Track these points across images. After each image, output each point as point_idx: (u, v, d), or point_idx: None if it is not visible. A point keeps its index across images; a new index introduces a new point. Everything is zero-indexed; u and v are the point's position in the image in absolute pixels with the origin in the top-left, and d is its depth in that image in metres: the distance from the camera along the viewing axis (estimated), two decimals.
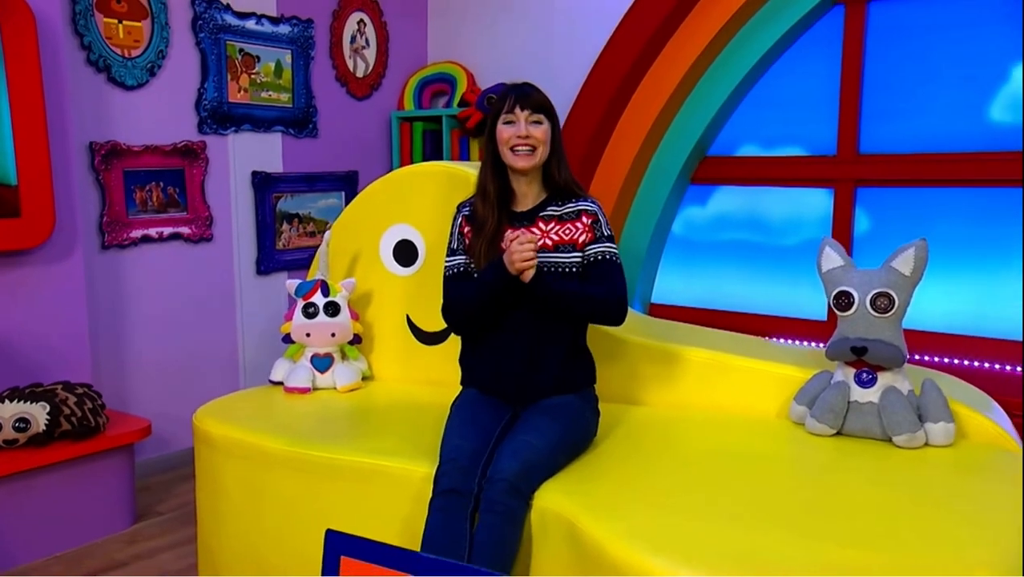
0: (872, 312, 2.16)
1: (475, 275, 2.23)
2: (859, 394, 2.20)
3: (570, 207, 2.24)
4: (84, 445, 3.02)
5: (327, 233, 2.85)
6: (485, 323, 2.20)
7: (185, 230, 3.80)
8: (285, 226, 4.19)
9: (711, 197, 4.07)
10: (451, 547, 1.90)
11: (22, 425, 2.89)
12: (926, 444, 2.12)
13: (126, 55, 3.54)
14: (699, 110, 3.88)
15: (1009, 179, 3.32)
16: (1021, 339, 3.19)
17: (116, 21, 3.51)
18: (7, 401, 2.90)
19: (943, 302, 3.43)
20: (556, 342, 2.20)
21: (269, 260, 4.13)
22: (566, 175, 2.27)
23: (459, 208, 2.36)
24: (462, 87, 4.45)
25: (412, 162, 4.53)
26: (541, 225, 2.23)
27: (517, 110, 2.17)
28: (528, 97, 2.19)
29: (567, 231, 2.22)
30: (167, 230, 3.74)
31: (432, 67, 4.63)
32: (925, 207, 3.51)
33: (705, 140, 3.96)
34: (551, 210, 2.24)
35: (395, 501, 2.12)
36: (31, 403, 2.93)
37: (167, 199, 3.74)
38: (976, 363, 3.34)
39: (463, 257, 2.27)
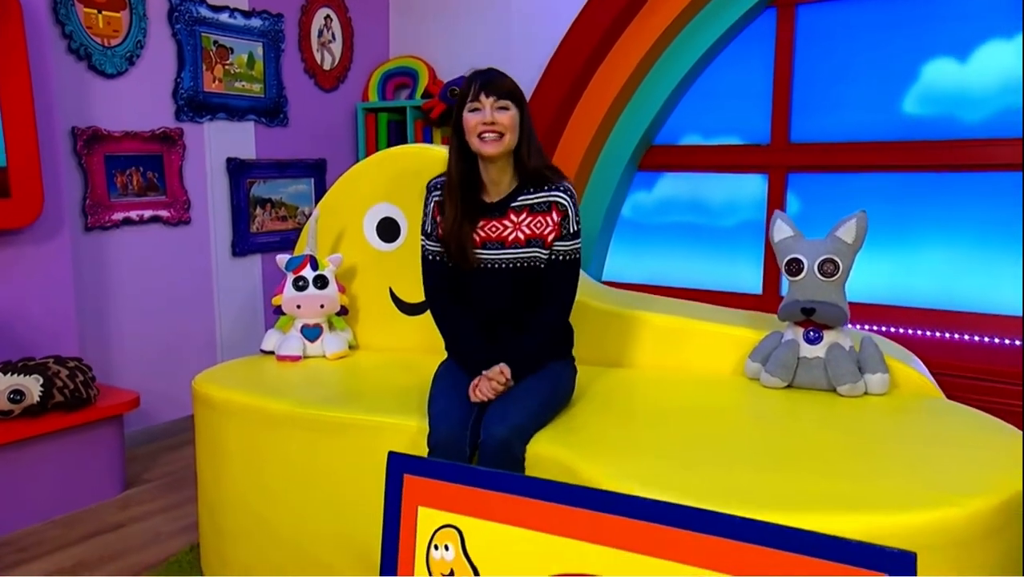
0: (819, 276, 2.25)
1: (449, 264, 2.16)
2: (807, 350, 2.29)
3: (542, 196, 2.09)
4: (76, 416, 2.98)
5: (315, 211, 2.84)
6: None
7: (164, 213, 3.73)
8: (259, 210, 4.15)
9: (657, 183, 4.15)
10: None
11: (16, 397, 2.83)
12: (865, 393, 2.22)
13: (106, 44, 3.46)
14: (646, 103, 3.95)
15: (919, 165, 3.49)
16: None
17: (96, 11, 3.43)
18: (1, 374, 2.83)
19: (864, 275, 3.57)
20: (531, 328, 2.14)
21: (244, 242, 4.08)
22: (537, 160, 2.11)
23: (430, 189, 2.21)
24: (424, 80, 4.46)
25: (377, 151, 4.51)
26: (513, 217, 2.10)
27: (482, 97, 2.01)
28: (493, 83, 2.03)
29: (538, 224, 2.09)
30: (147, 213, 3.67)
31: (394, 61, 4.63)
32: (848, 190, 3.65)
33: (651, 130, 4.03)
34: (523, 199, 2.10)
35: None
36: (24, 376, 2.87)
37: (147, 183, 3.67)
38: (893, 329, 3.48)
39: (436, 244, 2.18)
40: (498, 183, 2.12)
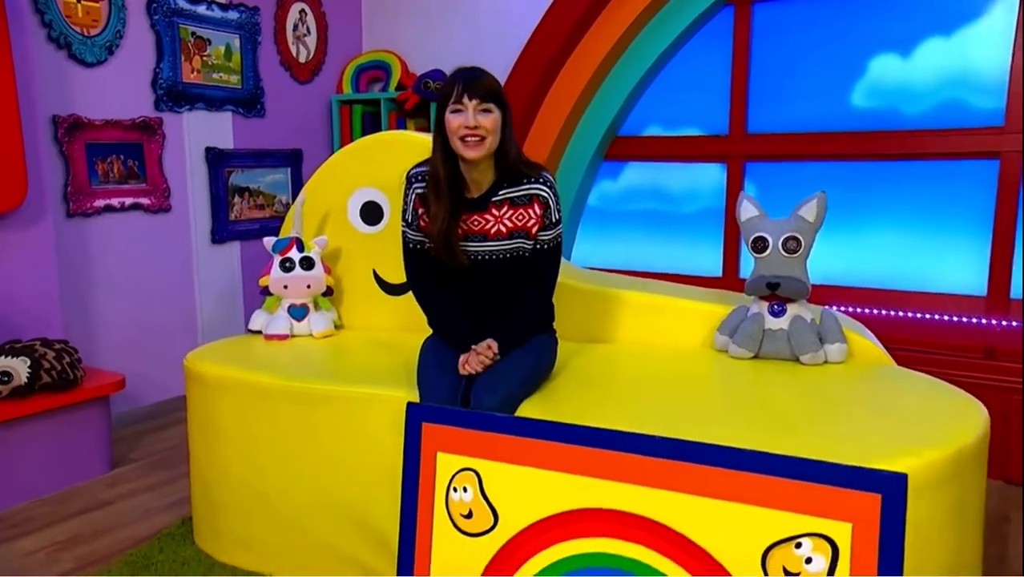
0: (783, 253, 2.32)
1: (433, 253, 2.13)
2: (772, 323, 2.37)
3: (523, 190, 2.07)
4: (63, 397, 2.95)
5: (302, 194, 2.84)
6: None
7: (145, 201, 3.70)
8: (237, 199, 4.12)
9: (622, 172, 4.22)
10: None
11: (4, 378, 2.79)
12: (826, 361, 2.30)
13: (85, 33, 3.41)
14: (611, 96, 4.01)
15: (866, 153, 3.60)
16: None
17: (75, 1, 3.37)
18: None
19: (815, 258, 3.66)
20: (518, 310, 2.16)
21: (223, 230, 4.05)
22: (516, 156, 2.07)
23: (410, 180, 2.16)
24: (397, 73, 4.46)
25: (352, 141, 4.50)
26: (494, 211, 2.07)
27: (465, 99, 1.92)
28: (476, 84, 1.94)
29: (520, 217, 2.08)
30: (128, 200, 3.63)
31: (367, 55, 4.62)
32: (802, 178, 3.75)
33: (616, 122, 4.10)
34: (503, 193, 2.07)
35: (383, 424, 2.14)
36: (12, 357, 2.84)
37: (127, 171, 3.63)
38: (843, 308, 3.58)
39: (419, 235, 2.15)
40: (479, 181, 2.09)
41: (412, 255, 2.22)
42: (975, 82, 3.40)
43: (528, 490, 1.08)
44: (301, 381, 2.27)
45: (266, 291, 2.78)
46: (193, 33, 3.83)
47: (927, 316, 3.46)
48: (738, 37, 3.81)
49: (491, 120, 1.96)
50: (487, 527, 1.10)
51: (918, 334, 3.27)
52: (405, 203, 2.19)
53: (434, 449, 1.14)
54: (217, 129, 3.99)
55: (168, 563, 2.40)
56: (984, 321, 3.37)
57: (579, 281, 2.67)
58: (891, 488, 0.88)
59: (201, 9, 3.86)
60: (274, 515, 2.32)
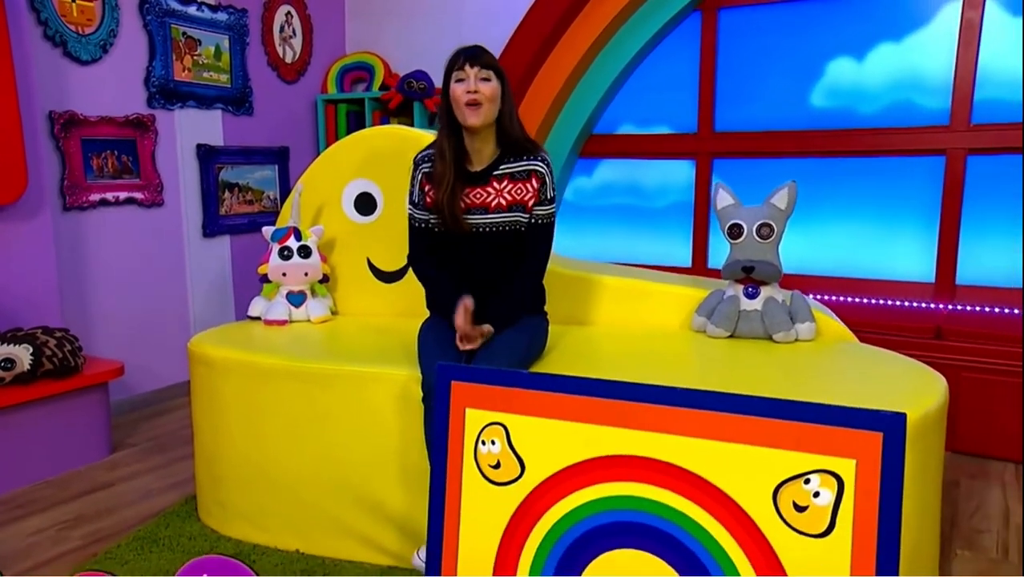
0: (757, 239, 2.38)
1: (435, 230, 2.18)
2: (747, 304, 2.43)
3: (522, 165, 2.13)
4: (64, 383, 2.93)
5: (299, 185, 2.85)
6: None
7: (139, 195, 3.66)
8: (227, 194, 4.10)
9: (596, 169, 4.27)
10: None
11: (7, 365, 2.76)
12: (796, 339, 2.38)
13: (80, 32, 3.38)
14: (586, 96, 4.05)
15: (824, 151, 3.69)
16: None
17: (69, 0, 3.33)
18: None
19: None
20: (513, 284, 2.19)
21: (213, 224, 4.03)
22: (517, 132, 2.14)
23: (417, 163, 2.22)
24: (380, 74, 4.47)
25: (337, 139, 4.49)
26: (495, 184, 2.13)
27: (467, 67, 2.03)
28: (476, 56, 2.05)
29: (519, 191, 2.13)
30: (122, 195, 3.59)
31: (351, 56, 4.62)
32: (765, 173, 3.83)
33: (591, 121, 4.15)
34: (504, 168, 2.13)
35: (386, 401, 2.17)
36: (14, 345, 2.80)
37: (121, 166, 3.59)
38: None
39: (424, 213, 2.19)
40: (481, 152, 2.14)
41: (417, 234, 2.25)
42: (923, 84, 3.52)
43: (553, 441, 1.11)
44: (306, 361, 2.29)
45: (264, 278, 2.78)
46: (184, 33, 3.81)
47: (881, 301, 3.57)
48: (705, 41, 3.89)
49: (490, 88, 2.04)
50: (515, 476, 1.14)
51: (873, 318, 3.36)
52: (412, 184, 2.23)
53: (463, 405, 1.18)
54: (207, 126, 3.97)
55: (175, 538, 2.39)
56: (933, 305, 3.49)
57: (564, 268, 2.71)
58: (892, 426, 0.93)
59: (192, 10, 3.83)
60: (278, 489, 2.33)
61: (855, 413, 0.95)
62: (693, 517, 1.02)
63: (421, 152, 2.24)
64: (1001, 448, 3.03)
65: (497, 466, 1.15)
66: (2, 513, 2.61)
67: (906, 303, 3.53)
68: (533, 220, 2.17)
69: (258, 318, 2.78)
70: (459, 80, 2.05)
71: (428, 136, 2.76)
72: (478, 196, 2.15)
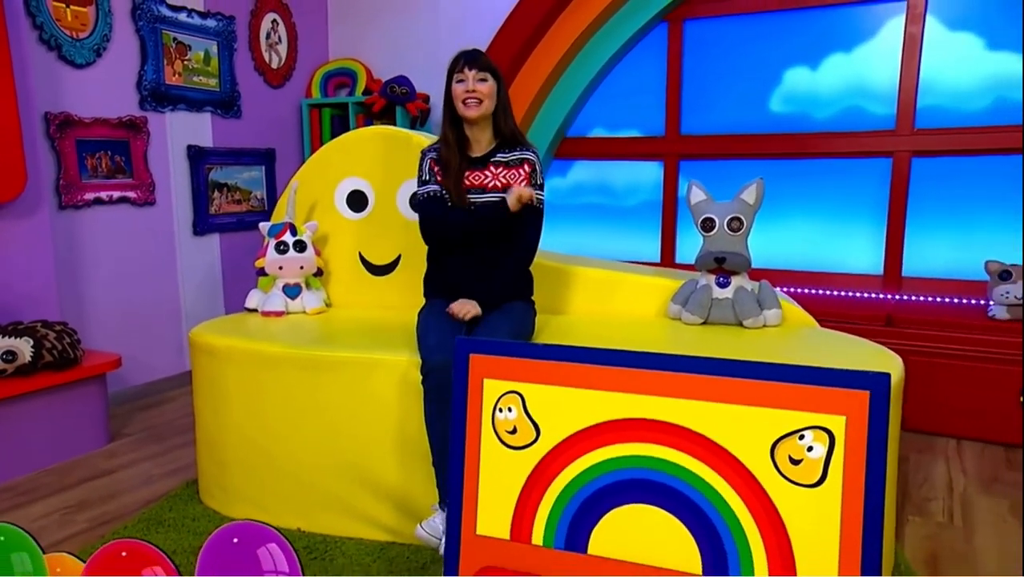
0: (728, 232, 2.45)
1: (448, 202, 2.27)
2: (719, 293, 2.50)
3: (516, 155, 2.28)
4: (64, 375, 2.90)
5: (295, 184, 2.85)
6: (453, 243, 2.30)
7: (132, 194, 3.63)
8: (216, 194, 4.07)
9: (570, 170, 4.32)
10: (447, 416, 1.93)
11: (9, 357, 2.73)
12: (765, 325, 2.45)
13: (74, 36, 3.34)
14: (560, 101, 4.10)
15: (782, 152, 3.78)
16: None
17: (64, 5, 3.30)
18: None
19: None
20: (505, 264, 2.27)
21: (203, 223, 4.00)
22: (511, 126, 2.30)
23: (425, 153, 2.36)
24: (362, 79, 4.47)
25: (322, 142, 4.49)
26: (492, 169, 2.27)
27: (466, 70, 2.19)
28: (475, 59, 2.21)
29: (512, 176, 2.27)
30: (116, 194, 3.56)
31: (334, 63, 4.61)
32: (728, 174, 3.91)
33: (565, 124, 4.19)
34: (500, 156, 2.28)
35: (387, 386, 2.19)
36: (16, 338, 2.77)
37: (115, 166, 3.55)
38: None
39: (436, 186, 2.29)
40: (480, 141, 2.30)
41: (427, 206, 2.31)
42: (871, 92, 3.63)
43: (566, 407, 1.15)
44: (307, 349, 2.30)
45: (261, 272, 2.78)
46: (175, 39, 3.78)
47: (835, 292, 3.67)
48: (672, 50, 3.96)
49: (487, 87, 2.21)
50: (530, 440, 1.17)
51: (829, 308, 3.47)
52: (421, 168, 2.35)
53: (481, 376, 1.21)
54: (197, 128, 3.94)
55: (179, 519, 2.39)
56: (883, 296, 3.60)
57: (546, 260, 2.75)
58: (877, 385, 0.99)
59: (182, 16, 3.80)
60: (280, 471, 2.34)
61: (844, 374, 1.01)
62: (697, 473, 1.07)
63: (427, 146, 2.39)
64: (945, 425, 3.15)
65: (514, 432, 1.18)
66: (6, 500, 2.58)
67: (858, 294, 3.64)
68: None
69: (255, 310, 2.78)
70: (459, 80, 2.21)
71: (417, 136, 2.79)
72: (477, 178, 2.28)
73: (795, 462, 1.03)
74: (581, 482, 1.13)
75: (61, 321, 2.98)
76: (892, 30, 3.55)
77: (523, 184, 2.26)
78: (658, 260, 4.07)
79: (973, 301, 3.41)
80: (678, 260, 4.06)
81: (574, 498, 1.13)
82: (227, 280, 4.15)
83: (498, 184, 2.26)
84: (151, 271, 3.75)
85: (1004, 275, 3.22)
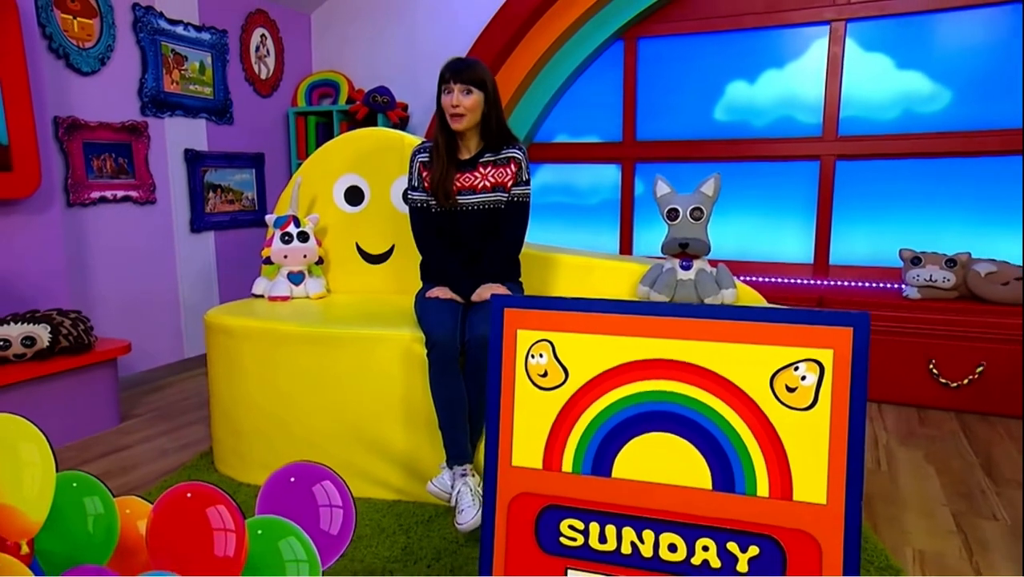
0: (690, 220, 2.54)
1: (432, 209, 2.27)
2: (682, 275, 2.58)
3: (503, 154, 2.25)
4: (79, 359, 2.88)
5: (298, 179, 2.86)
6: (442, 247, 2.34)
7: (134, 194, 3.57)
8: (211, 194, 4.03)
9: (537, 172, 4.39)
10: (451, 385, 2.02)
11: (29, 342, 2.68)
12: (723, 303, 2.54)
13: (81, 46, 3.29)
14: (528, 109, 4.17)
15: (725, 156, 3.92)
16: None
17: (71, 17, 3.25)
18: (12, 323, 2.68)
19: None
20: (495, 252, 2.29)
21: (200, 221, 3.95)
22: (499, 128, 2.25)
23: (414, 154, 2.32)
24: (345, 89, 4.48)
25: (307, 149, 4.47)
26: (481, 170, 2.25)
27: (451, 83, 2.15)
28: (460, 73, 2.15)
29: (500, 174, 2.25)
30: (120, 193, 3.50)
31: (318, 74, 4.60)
32: (678, 175, 4.03)
33: (533, 131, 4.26)
34: (487, 157, 2.25)
35: (391, 359, 2.24)
36: (34, 324, 2.73)
37: (118, 167, 3.50)
38: None
39: (422, 194, 2.29)
40: (468, 144, 2.27)
41: (417, 213, 2.33)
42: (801, 103, 3.79)
43: (591, 351, 1.22)
44: (318, 327, 2.32)
45: (267, 260, 2.79)
46: (172, 50, 3.73)
47: (772, 279, 3.82)
48: (627, 65, 4.06)
49: (471, 100, 2.16)
50: (560, 382, 1.24)
51: (767, 293, 3.59)
52: (410, 173, 2.33)
53: (515, 327, 1.27)
54: (193, 133, 3.90)
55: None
56: (814, 281, 3.77)
57: (528, 249, 2.79)
58: (859, 322, 1.09)
59: (179, 29, 3.76)
60: (293, 437, 2.37)
61: (832, 314, 1.11)
62: (707, 403, 1.15)
63: (418, 146, 2.35)
64: (868, 391, 3.31)
65: (545, 375, 1.25)
66: None
67: (793, 280, 3.80)
68: (511, 198, 2.29)
69: (261, 296, 2.78)
70: (447, 92, 2.17)
71: (409, 138, 2.83)
72: (467, 180, 2.26)
73: (791, 390, 1.12)
74: (605, 416, 1.20)
75: (75, 309, 2.92)
76: (818, 50, 3.72)
77: (509, 181, 2.26)
78: (617, 252, 4.17)
79: (890, 285, 3.60)
80: (635, 252, 4.16)
81: (599, 430, 1.20)
82: (221, 274, 4.10)
83: (487, 184, 2.25)
84: (152, 265, 3.70)
85: (915, 261, 3.41)
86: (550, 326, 1.22)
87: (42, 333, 2.72)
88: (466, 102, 2.15)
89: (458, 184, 2.25)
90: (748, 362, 1.12)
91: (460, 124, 2.17)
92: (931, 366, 3.20)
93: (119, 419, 3.05)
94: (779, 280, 3.81)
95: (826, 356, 1.09)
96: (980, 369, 3.12)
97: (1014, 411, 3.10)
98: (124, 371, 3.50)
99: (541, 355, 1.23)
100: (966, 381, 3.15)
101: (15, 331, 2.65)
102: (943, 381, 3.18)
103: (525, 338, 1.24)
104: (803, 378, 1.11)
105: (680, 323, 1.16)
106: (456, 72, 2.16)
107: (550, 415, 1.21)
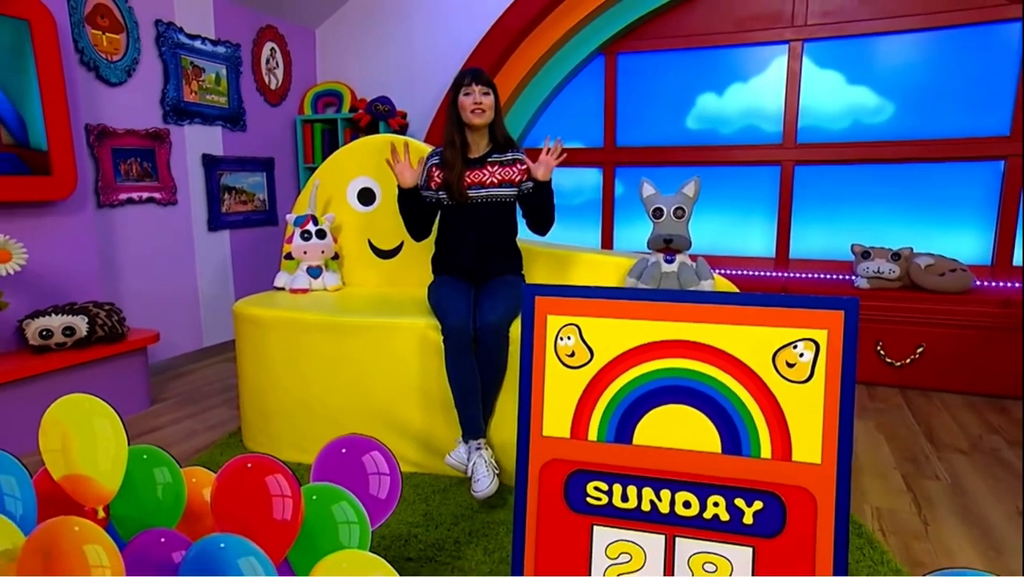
0: (674, 218, 2.59)
1: (443, 202, 2.32)
2: (666, 268, 2.63)
3: (509, 156, 2.35)
4: (113, 347, 2.88)
5: (316, 182, 2.86)
6: (421, 228, 2.42)
7: (157, 195, 3.55)
8: (226, 196, 4.00)
9: None
10: (465, 368, 2.06)
11: (69, 332, 2.67)
12: None
13: (109, 59, 3.25)
14: (518, 118, 4.21)
15: (696, 160, 3.99)
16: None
17: (101, 32, 3.21)
18: (54, 315, 2.65)
19: None
20: (499, 242, 2.37)
21: (216, 220, 3.93)
22: (504, 133, 2.36)
23: (428, 157, 2.40)
24: (347, 99, 4.46)
25: (313, 153, 4.45)
26: (489, 168, 2.31)
27: (473, 85, 2.24)
28: (479, 76, 2.26)
29: (507, 173, 2.33)
30: (144, 195, 3.48)
31: (322, 85, 4.58)
32: (654, 178, 4.00)
33: (522, 138, 4.29)
34: (495, 157, 2.33)
35: (408, 346, 2.27)
36: (73, 316, 2.72)
37: (143, 171, 3.47)
38: None
39: (430, 192, 2.36)
40: (478, 144, 2.35)
41: (405, 201, 2.37)
42: (763, 113, 3.88)
43: (614, 334, 1.27)
44: (339, 316, 2.34)
45: (288, 256, 2.79)
46: (191, 62, 3.70)
47: (738, 272, 3.91)
48: (608, 77, 4.11)
49: (489, 100, 2.27)
50: (585, 361, 1.28)
51: (736, 284, 3.65)
52: (421, 174, 2.39)
53: (545, 313, 1.31)
54: (210, 139, 3.87)
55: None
56: (776, 273, 3.86)
57: (526, 244, 2.84)
58: (849, 306, 1.15)
59: (197, 44, 3.73)
60: (318, 417, 2.39)
61: (826, 300, 1.17)
62: (717, 378, 1.20)
63: (430, 152, 2.42)
64: None
65: (572, 355, 1.29)
66: None
67: (757, 272, 3.88)
68: (524, 191, 2.35)
69: (283, 289, 2.79)
70: (467, 93, 2.26)
71: (415, 143, 2.84)
72: (476, 176, 2.33)
73: (790, 365, 1.18)
74: (626, 390, 1.24)
75: (108, 302, 2.90)
76: (778, 67, 3.80)
77: (554, 156, 2.27)
78: (599, 246, 4.21)
79: (842, 276, 3.70)
80: (616, 247, 4.22)
81: (621, 403, 1.25)
82: (236, 269, 4.09)
83: (495, 180, 2.32)
84: (173, 261, 3.67)
85: (865, 254, 3.52)
86: (577, 312, 1.27)
87: (80, 324, 2.70)
88: (486, 101, 2.25)
89: (469, 180, 2.32)
90: (753, 341, 1.17)
91: (481, 119, 2.25)
92: (878, 348, 3.31)
93: (150, 403, 3.04)
94: (746, 272, 3.90)
95: (821, 336, 1.16)
96: (920, 350, 3.24)
97: (950, 386, 3.22)
98: (151, 359, 3.47)
99: (569, 337, 1.28)
100: (908, 360, 3.27)
101: (56, 322, 2.63)
102: (888, 361, 3.29)
103: (554, 322, 1.29)
104: (801, 355, 1.17)
105: (693, 308, 1.21)
106: (476, 75, 2.27)
107: (577, 390, 1.25)
